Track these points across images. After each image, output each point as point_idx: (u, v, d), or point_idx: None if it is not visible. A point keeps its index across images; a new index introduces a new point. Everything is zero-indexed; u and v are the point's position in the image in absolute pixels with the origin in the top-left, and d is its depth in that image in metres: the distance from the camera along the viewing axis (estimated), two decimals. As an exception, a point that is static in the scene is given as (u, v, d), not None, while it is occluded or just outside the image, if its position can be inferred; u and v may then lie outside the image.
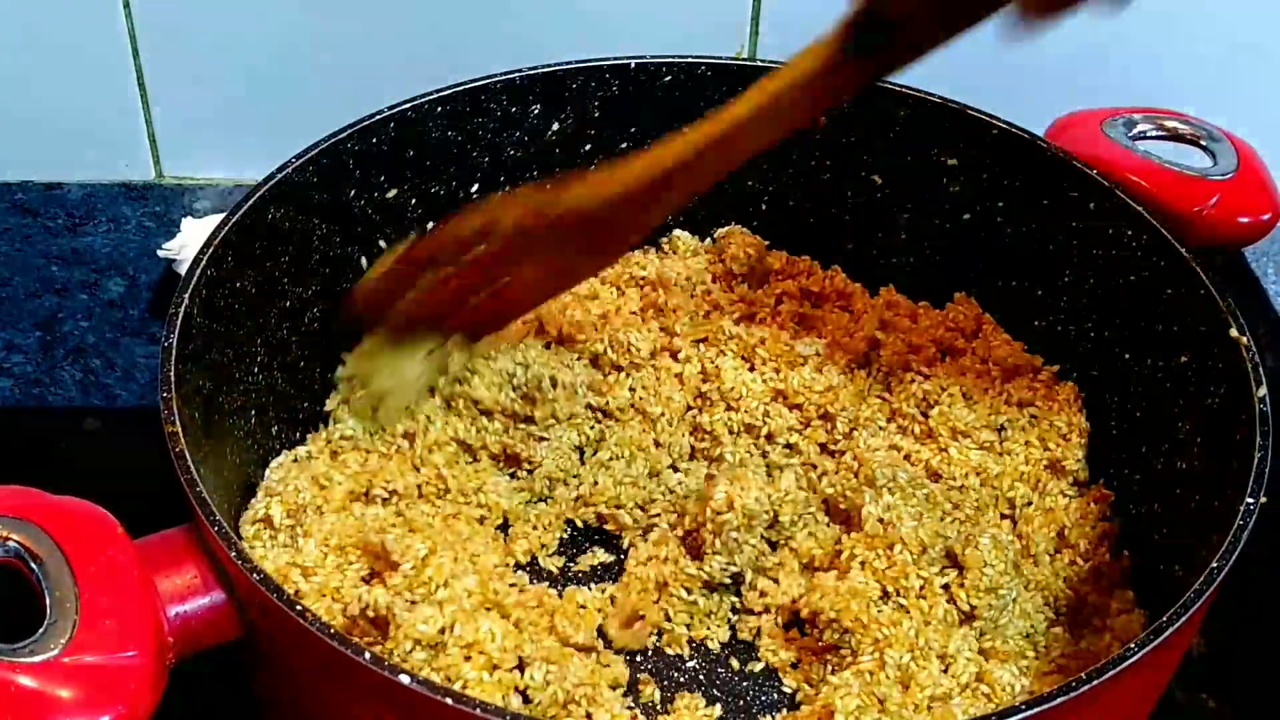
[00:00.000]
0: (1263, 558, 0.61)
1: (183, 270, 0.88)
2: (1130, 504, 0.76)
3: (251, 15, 0.95)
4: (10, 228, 1.01)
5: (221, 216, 0.73)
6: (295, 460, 0.76)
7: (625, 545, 0.76)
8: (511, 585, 0.70)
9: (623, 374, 0.82)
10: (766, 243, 0.90)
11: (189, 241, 0.95)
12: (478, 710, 0.51)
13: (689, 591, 0.72)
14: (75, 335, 0.96)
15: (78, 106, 0.99)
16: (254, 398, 0.76)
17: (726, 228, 0.90)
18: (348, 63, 0.97)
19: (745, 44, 0.97)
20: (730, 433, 0.80)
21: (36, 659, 0.54)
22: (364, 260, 0.82)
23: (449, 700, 0.52)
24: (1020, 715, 0.52)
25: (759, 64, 0.88)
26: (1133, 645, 0.54)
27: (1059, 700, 0.53)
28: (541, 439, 0.78)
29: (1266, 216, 0.78)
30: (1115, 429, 0.79)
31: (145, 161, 1.02)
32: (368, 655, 0.53)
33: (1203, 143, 0.81)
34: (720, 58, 0.86)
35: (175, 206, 1.02)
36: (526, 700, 0.65)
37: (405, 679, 0.52)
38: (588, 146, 0.88)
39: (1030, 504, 0.76)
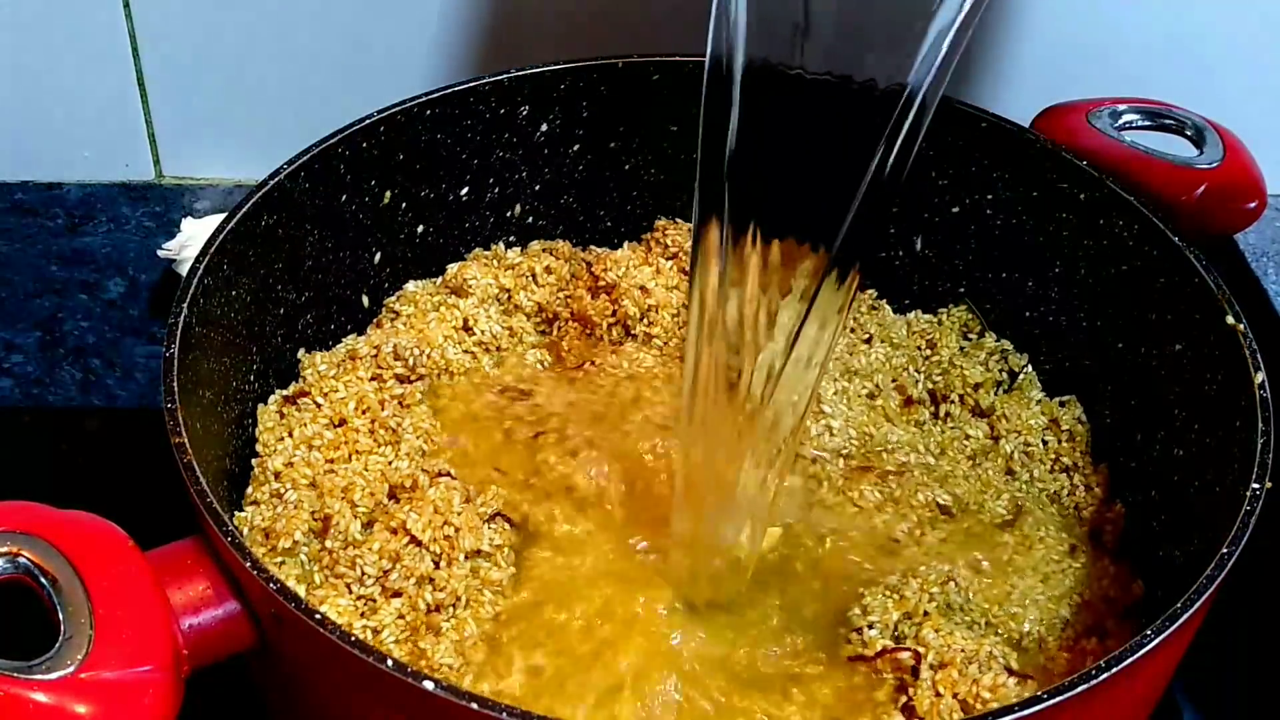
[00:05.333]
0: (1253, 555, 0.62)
1: (183, 270, 0.88)
2: (1126, 491, 0.77)
3: (251, 16, 0.95)
4: (10, 228, 1.01)
5: (221, 217, 0.72)
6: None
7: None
8: None
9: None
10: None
11: (189, 241, 0.95)
12: (503, 715, 0.51)
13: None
14: (75, 335, 0.96)
15: (78, 107, 0.99)
16: (251, 406, 0.76)
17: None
18: (347, 62, 0.97)
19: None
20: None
21: (53, 676, 0.53)
22: (356, 264, 0.82)
23: (474, 705, 0.52)
24: (1041, 705, 0.53)
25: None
26: (1149, 632, 0.55)
27: (1079, 689, 0.53)
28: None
29: (1253, 205, 0.79)
30: (1110, 417, 0.79)
31: (145, 161, 1.02)
32: (390, 662, 0.53)
33: (1188, 132, 0.82)
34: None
35: (175, 206, 1.02)
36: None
37: (429, 685, 0.52)
38: (576, 147, 0.88)
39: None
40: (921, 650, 0.66)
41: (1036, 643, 0.69)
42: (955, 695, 0.64)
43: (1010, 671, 0.65)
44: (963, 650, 0.66)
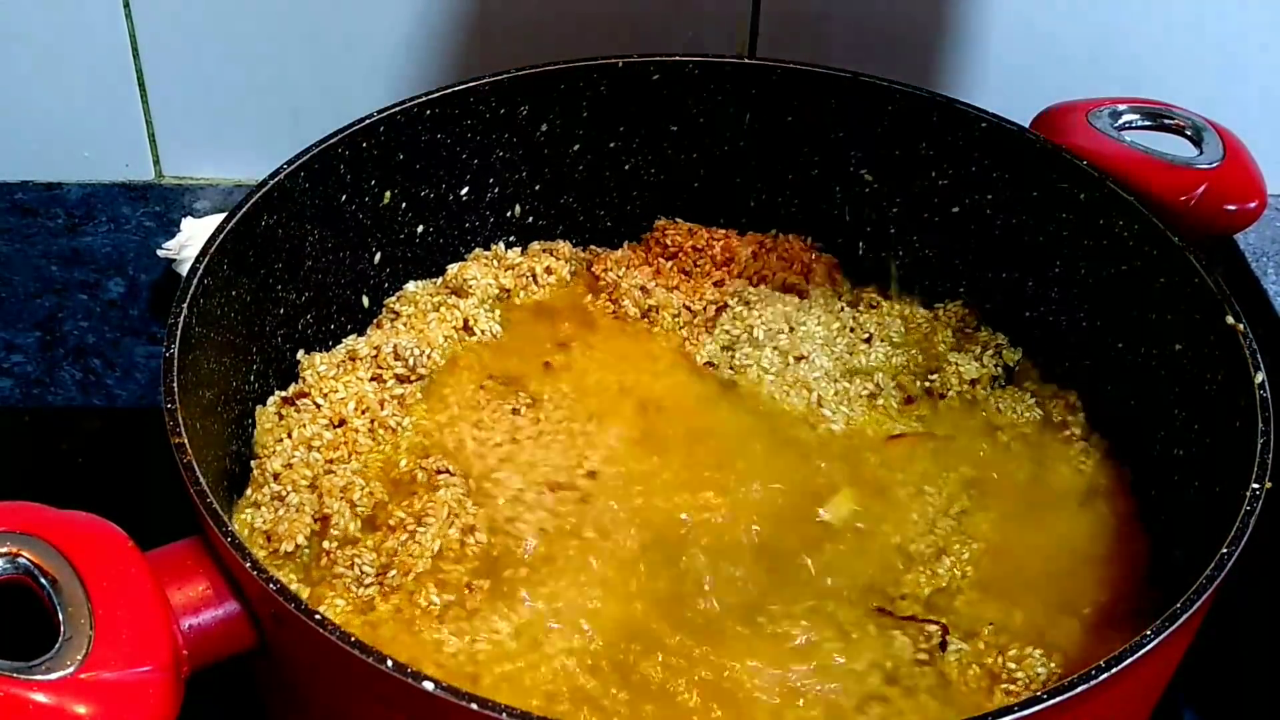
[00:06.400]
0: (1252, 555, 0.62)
1: (183, 270, 0.88)
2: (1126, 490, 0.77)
3: (251, 16, 0.95)
4: (10, 228, 1.01)
5: (221, 217, 0.72)
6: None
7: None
8: None
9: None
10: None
11: (189, 241, 0.95)
12: (503, 715, 0.51)
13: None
14: (75, 335, 0.96)
15: (78, 106, 0.99)
16: (251, 406, 0.76)
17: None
18: (346, 62, 0.97)
19: (745, 43, 0.97)
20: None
21: (53, 676, 0.53)
22: (356, 264, 0.82)
23: (474, 705, 0.52)
24: (1041, 705, 0.53)
25: (749, 62, 0.88)
26: (1149, 632, 0.55)
27: (1079, 689, 0.53)
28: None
29: (1253, 205, 0.79)
30: (1110, 417, 0.79)
31: (145, 161, 1.02)
32: (390, 663, 0.53)
33: (1188, 132, 0.82)
34: (709, 56, 0.86)
35: (175, 206, 1.02)
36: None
37: (429, 685, 0.52)
38: (576, 147, 0.88)
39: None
40: (951, 620, 0.68)
41: (1065, 606, 0.70)
42: (981, 665, 0.66)
43: (1039, 641, 0.67)
44: (992, 623, 0.68)
